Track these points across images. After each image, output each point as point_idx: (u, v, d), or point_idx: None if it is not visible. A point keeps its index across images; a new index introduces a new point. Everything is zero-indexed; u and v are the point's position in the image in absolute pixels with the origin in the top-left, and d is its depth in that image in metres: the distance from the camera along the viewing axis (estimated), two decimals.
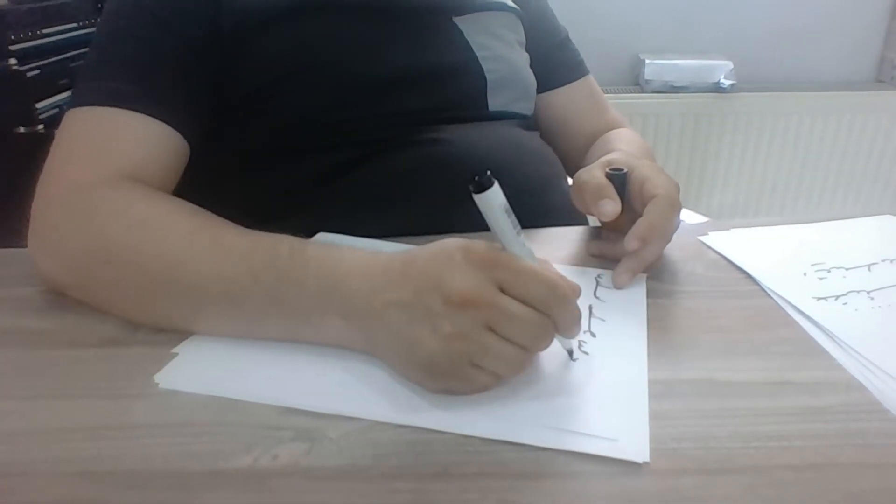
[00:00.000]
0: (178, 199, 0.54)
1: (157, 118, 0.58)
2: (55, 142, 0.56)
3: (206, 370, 0.43)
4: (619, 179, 0.57)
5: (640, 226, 0.53)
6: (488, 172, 0.39)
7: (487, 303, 0.39)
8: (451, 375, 0.40)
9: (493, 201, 0.40)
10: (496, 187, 0.39)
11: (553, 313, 0.40)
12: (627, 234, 0.53)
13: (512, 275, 0.40)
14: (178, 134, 0.59)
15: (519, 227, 0.41)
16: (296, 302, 0.45)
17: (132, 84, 0.58)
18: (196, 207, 0.52)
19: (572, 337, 0.44)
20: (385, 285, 0.42)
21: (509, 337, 0.39)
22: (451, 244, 0.41)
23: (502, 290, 0.39)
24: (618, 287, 0.53)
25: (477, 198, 0.40)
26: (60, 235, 0.52)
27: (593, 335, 0.47)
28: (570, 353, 0.45)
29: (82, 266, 0.51)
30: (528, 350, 0.40)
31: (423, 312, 0.40)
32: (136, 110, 0.57)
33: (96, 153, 0.55)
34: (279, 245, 0.47)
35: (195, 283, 0.47)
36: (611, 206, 0.55)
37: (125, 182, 0.54)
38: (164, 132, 0.58)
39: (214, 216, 0.51)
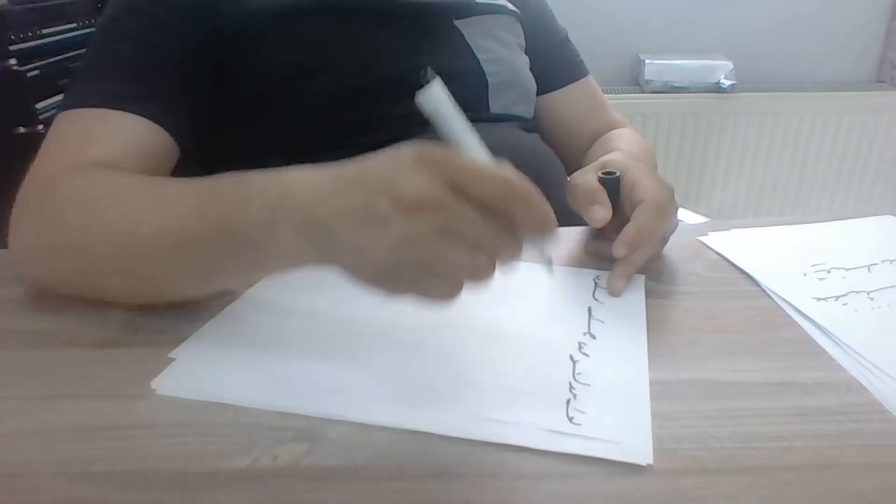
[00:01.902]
0: (135, 173, 0.53)
1: (139, 114, 0.57)
2: (41, 146, 0.56)
3: (202, 376, 0.43)
4: (611, 183, 0.57)
5: (627, 232, 0.53)
6: (428, 68, 0.38)
7: (440, 205, 0.36)
8: (405, 284, 0.39)
9: (439, 95, 0.37)
10: (438, 82, 0.37)
11: (513, 212, 0.37)
12: (615, 241, 0.53)
13: (465, 174, 0.37)
14: (162, 130, 0.59)
15: (471, 126, 0.39)
16: (243, 228, 0.42)
17: (120, 84, 0.58)
18: (149, 176, 0.51)
19: (544, 238, 0.40)
20: (334, 191, 0.40)
21: (465, 240, 0.37)
22: (403, 148, 0.39)
23: (458, 192, 0.37)
24: (613, 294, 0.53)
25: (421, 96, 0.37)
26: (26, 232, 0.52)
27: (593, 337, 0.47)
28: (549, 262, 0.43)
29: (51, 257, 0.50)
30: (486, 254, 0.38)
31: (373, 216, 0.37)
32: (117, 108, 0.57)
33: (71, 150, 0.55)
34: (221, 181, 0.45)
35: (147, 246, 0.46)
36: (601, 213, 0.55)
37: (87, 167, 0.53)
38: (146, 128, 0.58)
39: (165, 178, 0.51)
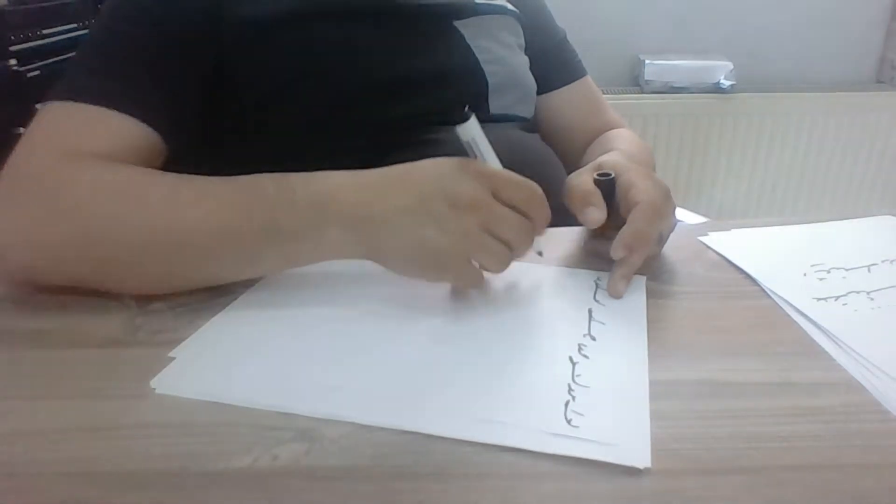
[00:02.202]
0: (143, 168, 0.53)
1: (127, 112, 0.57)
2: (22, 136, 0.55)
3: (202, 375, 0.43)
4: (606, 185, 0.57)
5: (623, 234, 0.53)
6: (466, 106, 0.48)
7: (487, 206, 0.46)
8: (454, 269, 0.48)
9: (475, 127, 0.49)
10: (474, 117, 0.48)
11: (533, 214, 0.48)
12: (613, 243, 0.53)
13: (500, 182, 0.47)
14: (150, 130, 0.58)
15: (492, 147, 0.50)
16: (291, 223, 0.48)
17: (111, 81, 0.58)
18: (163, 172, 0.52)
19: (541, 235, 0.51)
20: (385, 192, 0.48)
21: (500, 236, 0.47)
22: (442, 159, 0.48)
23: (494, 197, 0.47)
24: (613, 296, 0.53)
25: (460, 128, 0.48)
26: (32, 220, 0.50)
27: (593, 339, 0.47)
28: (540, 253, 0.54)
29: (62, 247, 0.50)
30: (512, 247, 0.48)
31: (430, 215, 0.46)
32: (105, 105, 0.56)
33: (60, 142, 0.54)
34: (261, 179, 0.50)
35: (188, 237, 0.48)
36: (596, 214, 0.55)
37: (89, 158, 0.53)
38: (134, 127, 0.57)
39: (186, 175, 0.51)
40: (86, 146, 0.54)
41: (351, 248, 0.49)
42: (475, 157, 0.49)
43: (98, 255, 0.49)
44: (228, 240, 0.48)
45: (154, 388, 0.41)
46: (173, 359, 0.44)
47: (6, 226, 0.51)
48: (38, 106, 0.57)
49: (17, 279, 0.53)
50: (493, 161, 0.50)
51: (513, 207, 0.47)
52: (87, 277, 0.50)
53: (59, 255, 0.50)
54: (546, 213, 0.49)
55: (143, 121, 0.58)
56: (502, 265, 0.48)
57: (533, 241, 0.49)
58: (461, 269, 0.48)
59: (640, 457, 0.36)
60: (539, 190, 0.49)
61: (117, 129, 0.56)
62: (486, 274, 0.50)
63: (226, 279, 0.51)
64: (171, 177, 0.52)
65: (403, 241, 0.47)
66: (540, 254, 0.54)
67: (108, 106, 0.56)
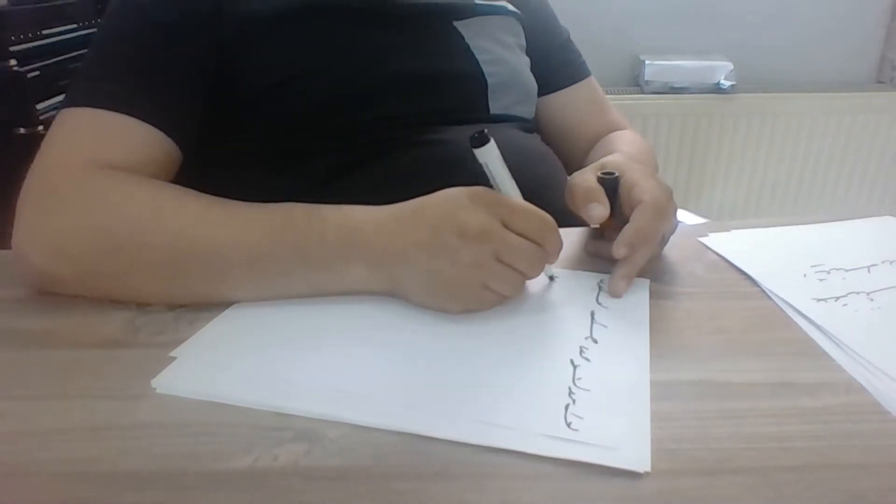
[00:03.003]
0: (178, 185, 0.55)
1: (151, 123, 0.58)
2: (46, 138, 0.56)
3: (202, 375, 0.43)
4: (610, 183, 0.57)
5: (626, 233, 0.53)
6: (485, 130, 0.48)
7: (497, 236, 0.47)
8: (469, 298, 0.49)
9: (493, 152, 0.49)
10: (493, 141, 0.48)
11: (545, 242, 0.49)
12: (615, 242, 0.53)
13: (512, 212, 0.48)
14: (169, 140, 0.59)
15: (510, 174, 0.50)
16: (319, 255, 0.49)
17: (127, 87, 0.59)
18: (197, 192, 0.54)
19: (553, 263, 0.52)
20: (401, 229, 0.49)
21: (512, 264, 0.48)
22: (453, 191, 0.49)
23: (504, 226, 0.47)
24: (614, 295, 0.53)
25: (478, 151, 0.48)
26: (61, 229, 0.51)
27: (595, 341, 0.47)
28: (551, 277, 0.55)
29: (89, 257, 0.50)
30: (525, 274, 0.49)
31: (441, 248, 0.47)
32: (130, 114, 0.57)
33: (88, 150, 0.55)
34: (293, 209, 0.52)
35: (217, 254, 0.49)
36: (599, 210, 0.55)
37: (122, 172, 0.54)
38: (156, 137, 0.58)
39: (216, 197, 0.53)
40: (111, 155, 0.55)
41: (374, 283, 0.50)
42: (491, 181, 0.50)
43: (121, 269, 0.50)
44: (256, 262, 0.49)
45: (155, 388, 0.41)
46: (174, 359, 0.44)
47: (33, 231, 0.52)
48: (38, 106, 0.57)
49: (35, 283, 0.53)
50: (507, 187, 0.50)
51: (524, 236, 0.48)
52: (109, 290, 0.51)
53: (83, 267, 0.51)
54: (557, 241, 0.50)
55: (161, 129, 0.59)
56: (515, 291, 0.50)
57: (542, 265, 0.50)
58: (476, 298, 0.49)
59: (640, 461, 0.36)
60: (550, 219, 0.49)
61: (138, 137, 0.58)
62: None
63: (249, 300, 0.51)
64: (200, 197, 0.53)
65: (419, 275, 0.48)
66: (551, 278, 0.55)
67: (129, 114, 0.57)
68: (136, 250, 0.50)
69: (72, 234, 0.51)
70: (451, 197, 0.49)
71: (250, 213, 0.51)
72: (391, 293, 0.50)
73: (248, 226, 0.50)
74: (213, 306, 0.50)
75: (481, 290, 0.48)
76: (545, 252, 0.49)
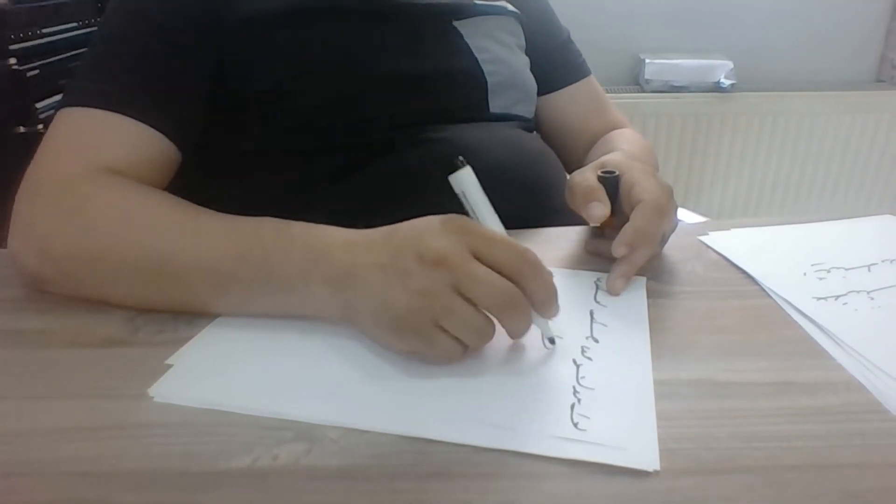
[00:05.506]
0: (163, 192, 0.55)
1: (148, 123, 0.58)
2: (44, 139, 0.56)
3: (199, 383, 0.42)
4: (610, 182, 0.57)
5: (626, 231, 0.53)
6: (460, 157, 0.45)
7: (458, 264, 0.41)
8: (416, 334, 0.42)
9: (469, 179, 0.45)
10: (468, 168, 0.45)
11: (523, 280, 0.42)
12: (615, 241, 0.53)
13: (484, 241, 0.42)
14: (167, 140, 0.59)
15: (490, 204, 0.45)
16: (282, 274, 0.47)
17: (125, 87, 0.59)
18: (180, 199, 0.53)
19: (549, 316, 0.44)
20: (367, 251, 0.45)
21: (476, 300, 0.41)
22: (431, 217, 0.44)
23: (476, 257, 0.41)
24: (612, 293, 0.53)
25: (454, 179, 0.44)
26: (46, 232, 0.52)
27: (595, 341, 0.47)
28: (551, 340, 0.45)
29: (70, 262, 0.51)
30: (495, 315, 0.42)
31: (397, 271, 0.42)
32: (127, 114, 0.57)
33: (84, 151, 0.55)
34: (263, 226, 0.49)
35: (186, 271, 0.48)
36: (599, 210, 0.55)
37: (111, 177, 0.54)
38: (153, 137, 0.59)
39: (198, 207, 0.52)
40: (107, 156, 0.55)
41: (330, 307, 0.46)
42: (469, 212, 0.46)
43: (99, 278, 0.51)
44: (222, 280, 0.48)
45: (153, 397, 0.41)
46: (171, 366, 0.44)
47: (23, 232, 0.53)
48: (38, 105, 0.58)
49: (27, 282, 0.54)
50: (485, 216, 0.45)
51: (495, 269, 0.41)
52: (90, 292, 0.51)
53: (65, 269, 0.51)
54: (541, 280, 0.42)
55: (159, 129, 0.59)
56: (476, 335, 0.42)
57: (523, 311, 0.42)
58: (425, 336, 0.41)
59: (649, 460, 0.36)
60: (532, 254, 0.42)
61: (135, 138, 0.58)
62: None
63: (224, 312, 0.50)
64: (178, 209, 0.52)
65: (370, 299, 0.43)
66: (552, 341, 0.45)
67: (126, 114, 0.57)
68: (110, 262, 0.50)
69: (54, 239, 0.51)
70: (425, 221, 0.44)
71: (220, 228, 0.50)
72: (344, 318, 0.46)
73: (216, 244, 0.49)
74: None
75: (431, 327, 0.41)
76: (522, 293, 0.41)
